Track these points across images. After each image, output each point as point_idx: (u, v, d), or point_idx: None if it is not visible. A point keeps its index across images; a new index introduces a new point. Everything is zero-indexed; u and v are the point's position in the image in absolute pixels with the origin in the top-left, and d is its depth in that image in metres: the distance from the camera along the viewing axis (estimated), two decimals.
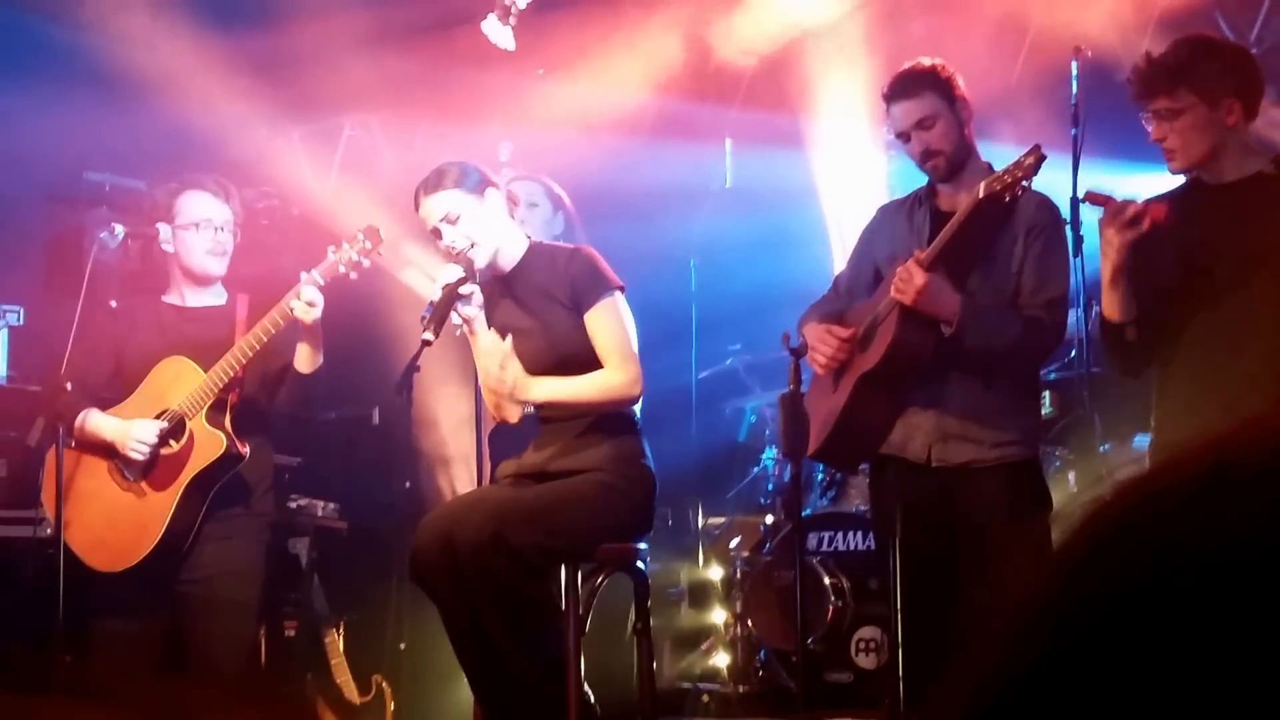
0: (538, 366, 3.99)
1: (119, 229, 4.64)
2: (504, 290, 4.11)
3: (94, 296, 4.58)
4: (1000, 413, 3.95)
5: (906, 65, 4.09)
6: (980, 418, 3.93)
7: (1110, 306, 3.77)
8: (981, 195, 3.78)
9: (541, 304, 4.04)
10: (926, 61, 4.06)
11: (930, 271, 3.81)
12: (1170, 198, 3.83)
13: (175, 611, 4.48)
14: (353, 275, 4.41)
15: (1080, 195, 3.94)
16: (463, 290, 3.93)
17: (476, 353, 4.05)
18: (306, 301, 4.31)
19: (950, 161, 4.02)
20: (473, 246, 4.00)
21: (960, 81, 4.05)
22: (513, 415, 4.01)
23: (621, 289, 4.04)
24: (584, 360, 3.99)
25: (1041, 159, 3.75)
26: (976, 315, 3.85)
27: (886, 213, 4.28)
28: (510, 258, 4.10)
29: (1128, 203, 3.68)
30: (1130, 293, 3.74)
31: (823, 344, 4.08)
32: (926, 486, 3.95)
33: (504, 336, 3.97)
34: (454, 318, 3.98)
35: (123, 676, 4.43)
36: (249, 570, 4.53)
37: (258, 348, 4.36)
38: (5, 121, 6.34)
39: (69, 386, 4.36)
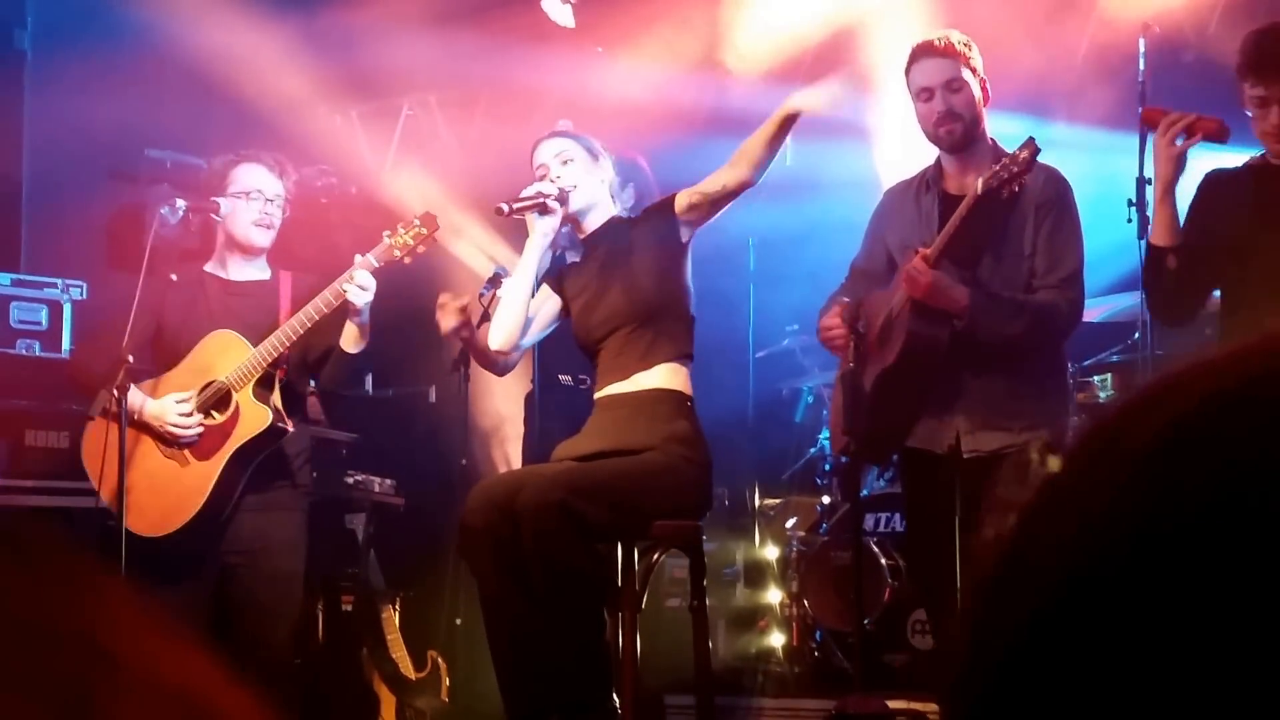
0: (617, 319, 4.11)
1: (180, 204, 4.66)
2: (587, 253, 4.28)
3: (154, 271, 4.61)
4: (1026, 397, 3.99)
5: (940, 31, 4.13)
6: (1007, 405, 3.98)
7: (1158, 227, 3.83)
8: (980, 191, 3.84)
9: (617, 263, 4.17)
10: (957, 35, 4.10)
11: (935, 268, 3.87)
12: (1234, 172, 3.88)
13: (221, 583, 4.51)
14: (407, 260, 4.45)
15: (1139, 114, 3.99)
16: (550, 204, 4.13)
17: (528, 246, 4.20)
18: (359, 285, 4.35)
19: (966, 131, 4.05)
20: (574, 188, 4.20)
21: (981, 63, 4.08)
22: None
23: None
24: (659, 312, 4.08)
25: (1036, 152, 3.81)
26: (985, 307, 3.90)
27: (893, 196, 4.33)
28: (592, 222, 4.27)
29: (1181, 115, 3.74)
30: (1176, 215, 3.79)
31: (828, 329, 4.18)
32: (957, 476, 3.97)
33: (584, 295, 4.21)
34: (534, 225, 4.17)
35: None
36: (292, 541, 4.57)
37: (309, 325, 4.40)
38: (68, 99, 6.40)
39: (130, 359, 4.40)
